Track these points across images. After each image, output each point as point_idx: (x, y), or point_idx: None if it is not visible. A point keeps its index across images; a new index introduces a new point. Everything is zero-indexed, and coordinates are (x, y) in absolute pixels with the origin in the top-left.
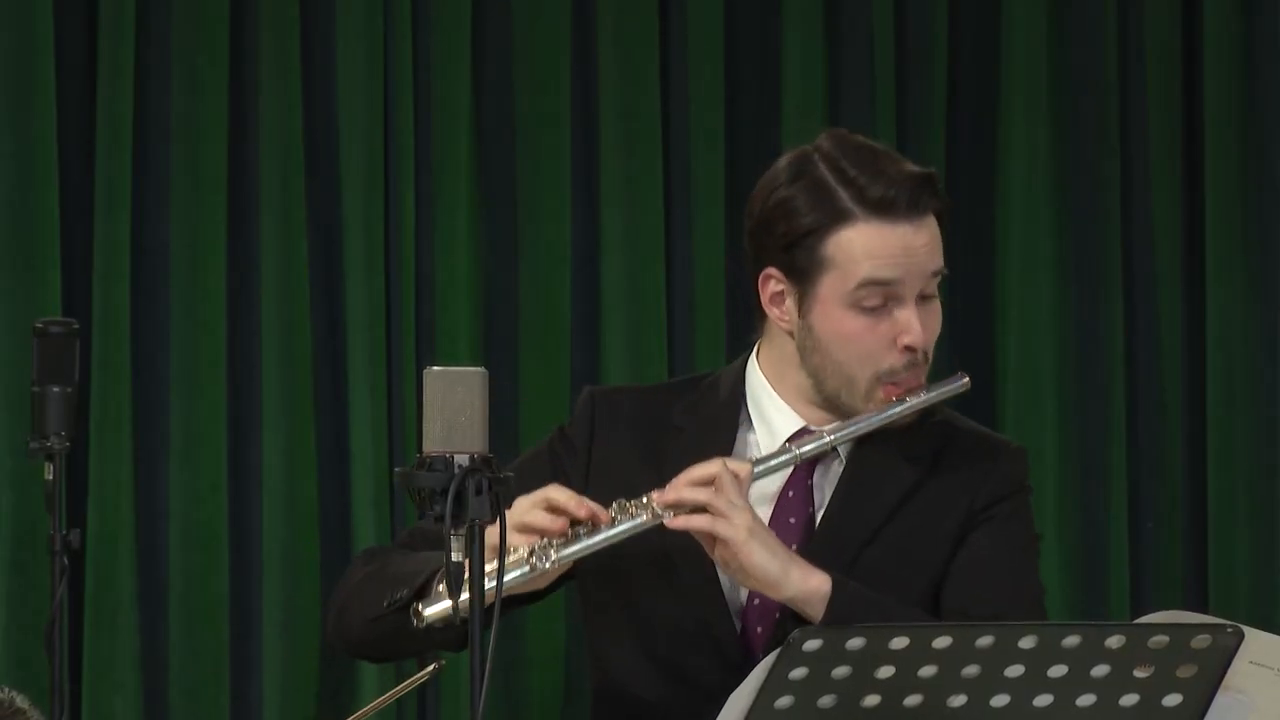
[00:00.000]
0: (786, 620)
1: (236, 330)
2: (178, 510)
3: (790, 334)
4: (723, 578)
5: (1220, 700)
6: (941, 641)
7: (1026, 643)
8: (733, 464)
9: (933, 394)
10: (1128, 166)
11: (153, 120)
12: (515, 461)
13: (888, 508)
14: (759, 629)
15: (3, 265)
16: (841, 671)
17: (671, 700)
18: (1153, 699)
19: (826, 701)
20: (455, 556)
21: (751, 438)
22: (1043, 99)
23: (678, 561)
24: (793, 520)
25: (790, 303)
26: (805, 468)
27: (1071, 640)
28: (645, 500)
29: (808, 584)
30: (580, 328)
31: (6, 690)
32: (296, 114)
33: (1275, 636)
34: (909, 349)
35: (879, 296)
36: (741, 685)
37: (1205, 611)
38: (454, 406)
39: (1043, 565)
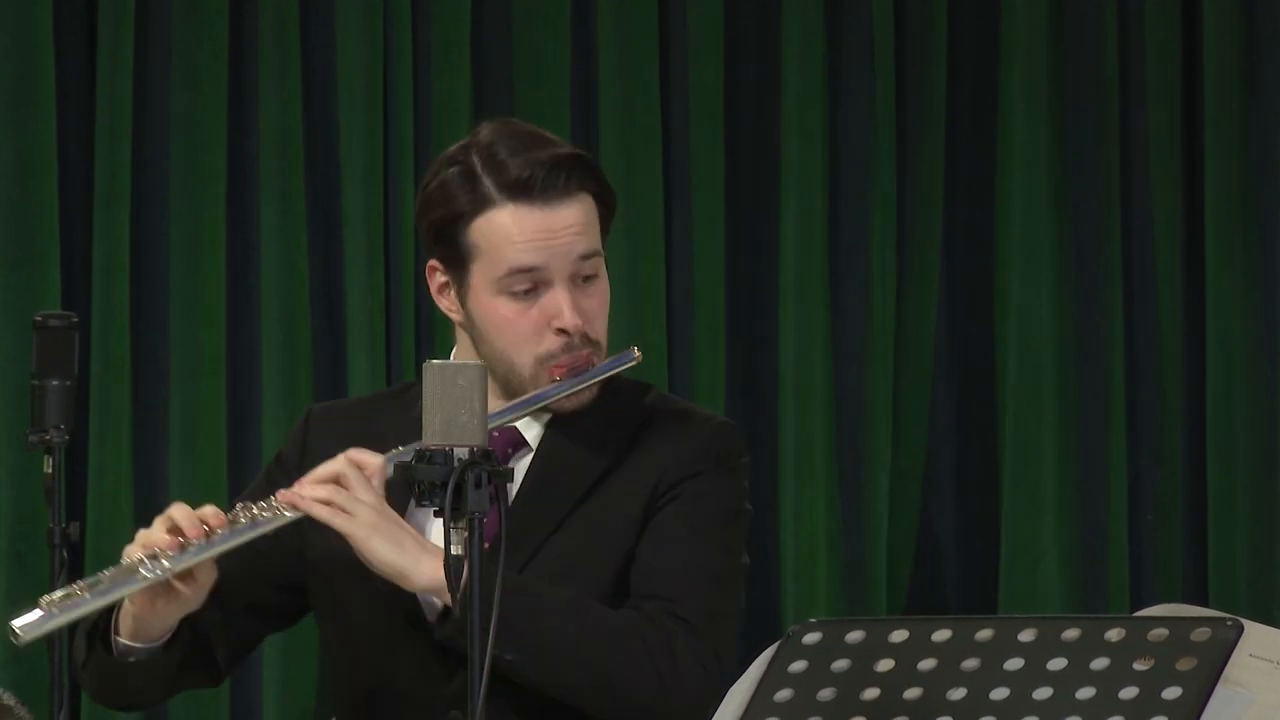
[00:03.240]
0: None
1: (236, 324)
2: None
3: (462, 326)
4: None
5: (1220, 693)
6: (941, 634)
7: (1026, 636)
8: (361, 456)
9: (595, 372)
10: (1128, 163)
11: (152, 115)
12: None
13: (575, 496)
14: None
15: (3, 259)
16: (841, 664)
17: (379, 702)
18: (1152, 692)
19: (826, 694)
20: (455, 550)
21: None
22: (1043, 96)
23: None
24: (485, 520)
25: (453, 294)
26: (499, 462)
27: (1071, 633)
28: (271, 501)
29: (438, 574)
30: None
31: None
32: (296, 108)
33: (1275, 630)
34: (562, 332)
35: (526, 282)
36: (741, 679)
37: (1205, 604)
38: (453, 400)
39: (1043, 559)
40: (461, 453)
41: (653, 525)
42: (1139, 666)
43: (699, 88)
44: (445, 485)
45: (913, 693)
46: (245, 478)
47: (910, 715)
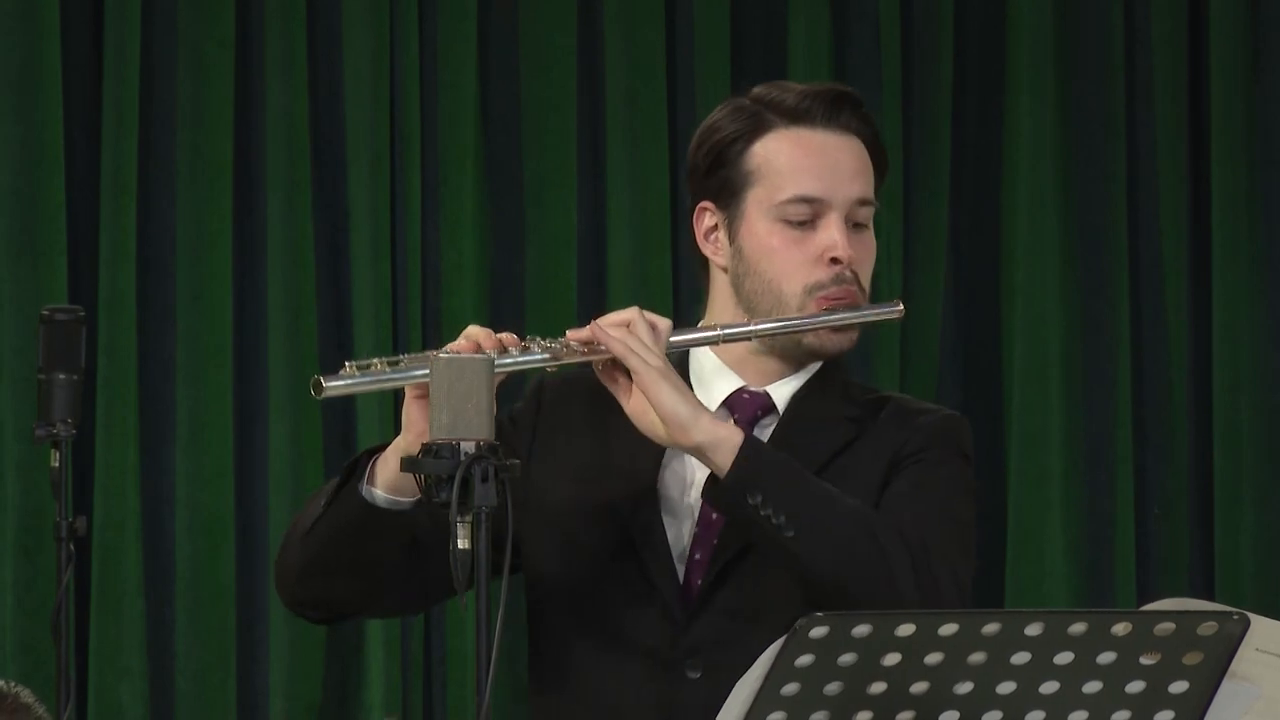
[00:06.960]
0: (726, 566)
1: (243, 316)
2: (184, 497)
3: (724, 269)
4: (668, 528)
5: (1226, 687)
6: (948, 629)
7: (1033, 630)
8: (650, 315)
9: (864, 311)
10: (1134, 152)
11: (159, 106)
12: None
13: (818, 461)
14: (698, 581)
15: (9, 252)
16: (847, 659)
17: (609, 660)
18: (1159, 686)
19: (833, 689)
20: (462, 544)
21: None
22: (1049, 85)
23: (626, 516)
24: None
25: (722, 233)
26: (746, 423)
27: (1078, 627)
28: (562, 339)
29: (718, 431)
30: (586, 312)
31: (12, 684)
32: (303, 100)
33: None
34: (835, 262)
35: (805, 211)
36: (747, 673)
37: (1211, 598)
38: (460, 393)
39: (1049, 552)
40: (468, 446)
41: (893, 484)
42: (1145, 661)
43: (705, 76)
44: (452, 479)
45: (919, 687)
46: (253, 470)
47: (917, 709)
